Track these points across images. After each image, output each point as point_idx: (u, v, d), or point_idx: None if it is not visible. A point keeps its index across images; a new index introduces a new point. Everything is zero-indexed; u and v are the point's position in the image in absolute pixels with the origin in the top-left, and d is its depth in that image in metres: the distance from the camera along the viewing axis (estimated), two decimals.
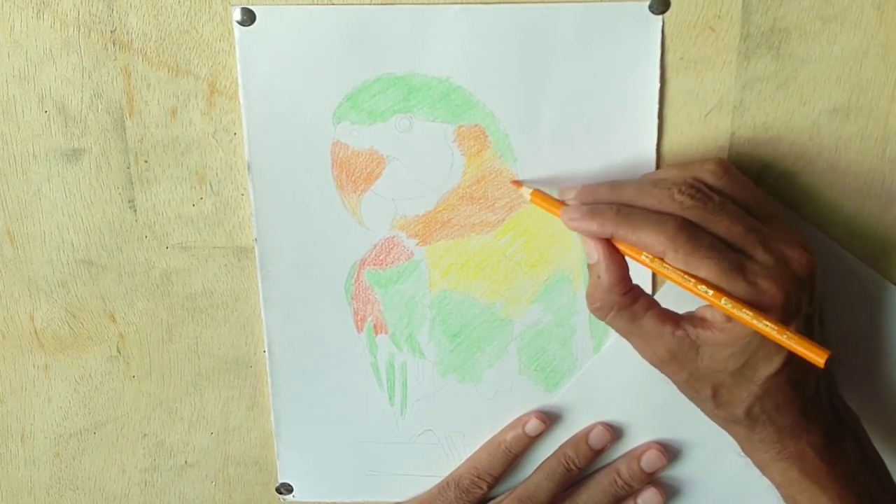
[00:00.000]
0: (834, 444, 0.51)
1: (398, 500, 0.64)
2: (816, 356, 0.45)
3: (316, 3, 0.53)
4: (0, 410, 0.63)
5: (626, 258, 0.50)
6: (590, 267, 0.51)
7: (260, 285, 0.59)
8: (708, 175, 0.50)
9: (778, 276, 0.47)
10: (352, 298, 0.59)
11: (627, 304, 0.50)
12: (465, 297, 0.59)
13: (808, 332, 0.49)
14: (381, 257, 0.58)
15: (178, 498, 0.66)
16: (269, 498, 0.65)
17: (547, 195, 0.54)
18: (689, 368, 0.50)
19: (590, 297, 0.51)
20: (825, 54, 0.53)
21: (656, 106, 0.54)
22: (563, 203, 0.53)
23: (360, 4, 0.53)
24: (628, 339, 0.52)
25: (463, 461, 0.62)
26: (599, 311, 0.51)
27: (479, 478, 0.61)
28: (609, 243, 0.50)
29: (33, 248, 0.59)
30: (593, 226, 0.50)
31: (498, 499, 0.62)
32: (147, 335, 0.61)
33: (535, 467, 0.61)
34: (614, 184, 0.51)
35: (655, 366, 0.51)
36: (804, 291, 0.49)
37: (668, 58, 0.53)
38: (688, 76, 0.53)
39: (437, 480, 0.63)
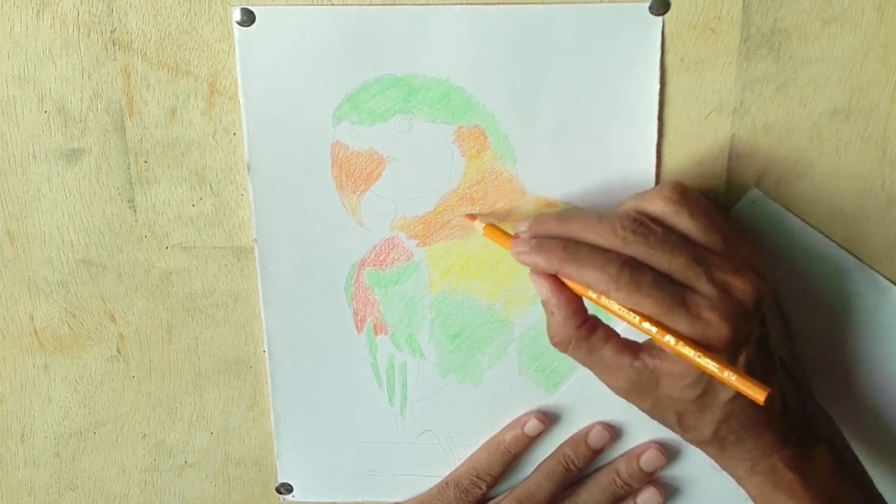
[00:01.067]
0: (806, 455, 0.52)
1: (398, 500, 0.64)
2: (756, 395, 0.46)
3: (316, 3, 0.53)
4: (0, 410, 0.64)
5: None
6: (542, 303, 0.51)
7: (260, 285, 0.59)
8: (659, 205, 0.50)
9: (722, 307, 0.47)
10: (352, 299, 0.59)
11: (584, 336, 0.50)
12: (465, 297, 0.59)
13: (763, 354, 0.50)
14: (380, 258, 0.58)
15: (178, 498, 0.66)
16: (269, 498, 0.65)
17: (500, 228, 0.54)
18: (652, 398, 0.51)
19: (548, 332, 0.52)
20: (825, 55, 0.53)
21: (656, 107, 0.54)
22: (513, 237, 0.53)
23: (359, 5, 0.53)
24: (590, 370, 0.52)
25: (462, 461, 0.62)
26: (558, 345, 0.51)
27: (478, 478, 0.61)
28: (557, 279, 0.50)
29: (33, 248, 0.59)
30: (540, 261, 0.50)
31: (497, 499, 0.62)
32: (147, 335, 0.61)
33: (534, 467, 0.61)
34: (563, 216, 0.51)
35: (620, 395, 0.52)
36: (753, 317, 0.49)
37: (668, 59, 0.53)
38: (688, 77, 0.53)
39: (436, 481, 0.63)
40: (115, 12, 0.53)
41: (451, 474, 0.62)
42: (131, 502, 0.66)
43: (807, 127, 0.54)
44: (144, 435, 0.64)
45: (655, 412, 0.52)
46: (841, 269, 0.56)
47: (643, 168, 0.55)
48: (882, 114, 0.54)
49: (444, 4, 0.52)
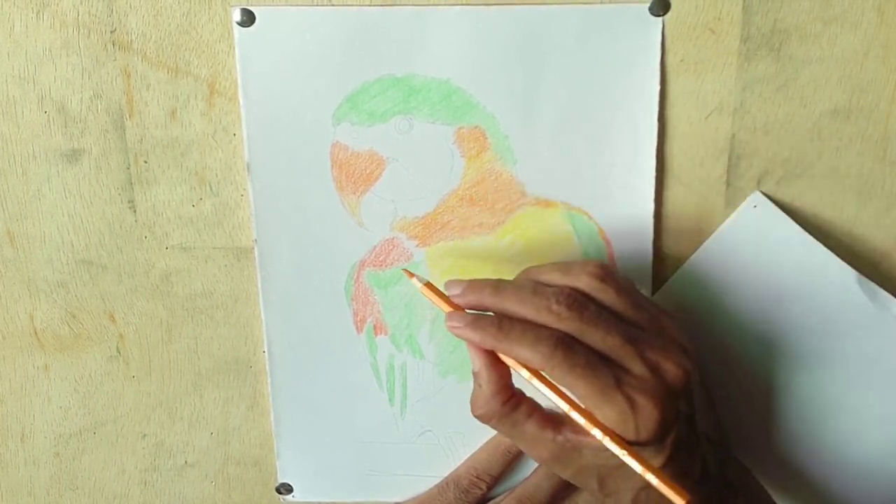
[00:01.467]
0: None
1: (398, 500, 0.64)
2: (677, 500, 0.46)
3: (316, 4, 0.53)
4: (0, 410, 0.64)
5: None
6: (473, 373, 0.51)
7: (259, 286, 0.59)
8: (587, 281, 0.50)
9: (653, 389, 0.48)
10: (351, 299, 0.59)
11: (508, 412, 0.51)
12: None
13: (689, 431, 0.50)
14: (380, 258, 0.58)
15: (178, 498, 0.66)
16: (269, 498, 0.65)
17: (436, 289, 0.53)
18: (574, 466, 0.51)
19: (472, 403, 0.52)
20: (825, 56, 0.53)
21: (656, 108, 0.54)
22: (449, 300, 0.52)
23: (360, 6, 0.53)
24: (512, 441, 0.52)
25: (462, 461, 0.62)
26: (481, 417, 0.52)
27: (478, 478, 0.61)
28: (492, 354, 0.50)
29: (33, 248, 0.59)
30: (475, 337, 0.50)
31: (497, 499, 0.62)
32: (147, 335, 0.61)
33: (534, 467, 0.61)
34: (498, 286, 0.51)
35: (541, 464, 0.52)
36: (681, 398, 0.49)
37: (669, 60, 0.53)
38: (688, 78, 0.53)
39: (436, 481, 0.63)
40: (115, 12, 0.53)
41: (451, 474, 0.62)
42: (131, 502, 0.66)
43: (807, 127, 0.54)
44: (144, 435, 0.64)
45: (576, 479, 0.52)
46: (843, 281, 0.56)
47: (643, 168, 0.55)
48: (882, 114, 0.54)
49: (444, 5, 0.52)
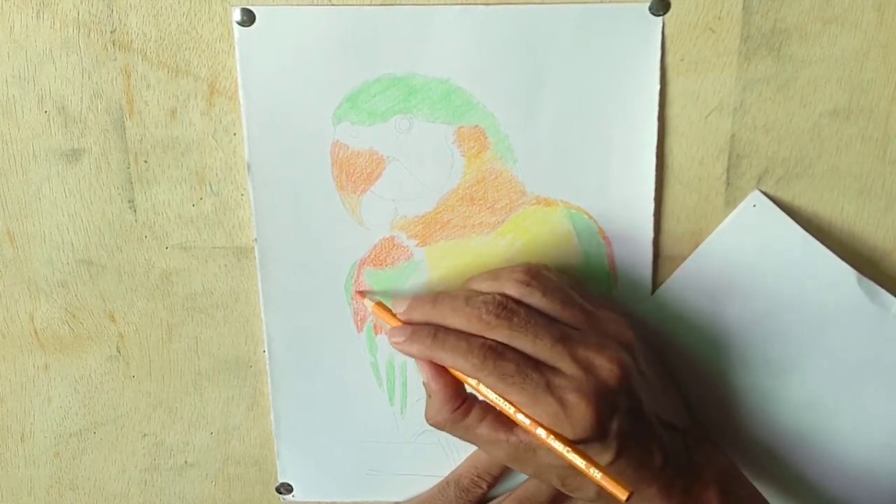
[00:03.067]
0: (693, 501, 0.53)
1: (398, 499, 0.64)
2: (619, 494, 0.48)
3: (316, 3, 0.53)
4: (0, 410, 0.63)
5: None
6: (423, 384, 0.53)
7: (260, 285, 0.59)
8: (513, 287, 0.52)
9: (585, 388, 0.49)
10: (352, 299, 0.59)
11: (459, 418, 0.52)
12: None
13: (636, 422, 0.51)
14: (381, 257, 0.58)
15: (178, 498, 0.66)
16: (269, 498, 0.65)
17: (386, 308, 0.56)
18: (533, 465, 0.52)
19: (425, 413, 0.54)
20: (826, 56, 0.53)
21: (656, 108, 0.54)
22: (397, 317, 0.55)
23: (359, 5, 0.53)
24: (471, 444, 0.54)
25: (463, 461, 0.62)
26: (435, 425, 0.53)
27: (478, 477, 0.61)
28: (438, 364, 0.52)
29: (33, 248, 0.59)
30: (413, 350, 0.52)
31: (498, 499, 0.62)
32: (147, 335, 0.61)
33: None
34: (436, 298, 0.53)
35: (501, 463, 0.54)
36: (619, 393, 0.50)
37: (669, 59, 0.53)
38: (688, 78, 0.53)
39: (436, 480, 0.63)
40: (115, 12, 0.53)
41: (451, 473, 0.62)
42: (131, 502, 0.66)
43: (807, 127, 0.54)
44: (144, 435, 0.64)
45: (538, 476, 0.54)
46: (842, 281, 0.56)
47: (643, 168, 0.55)
48: (882, 114, 0.54)
49: (444, 4, 0.52)
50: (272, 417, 0.62)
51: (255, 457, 0.64)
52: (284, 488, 0.64)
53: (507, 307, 0.51)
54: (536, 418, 0.49)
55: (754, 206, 0.55)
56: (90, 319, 0.61)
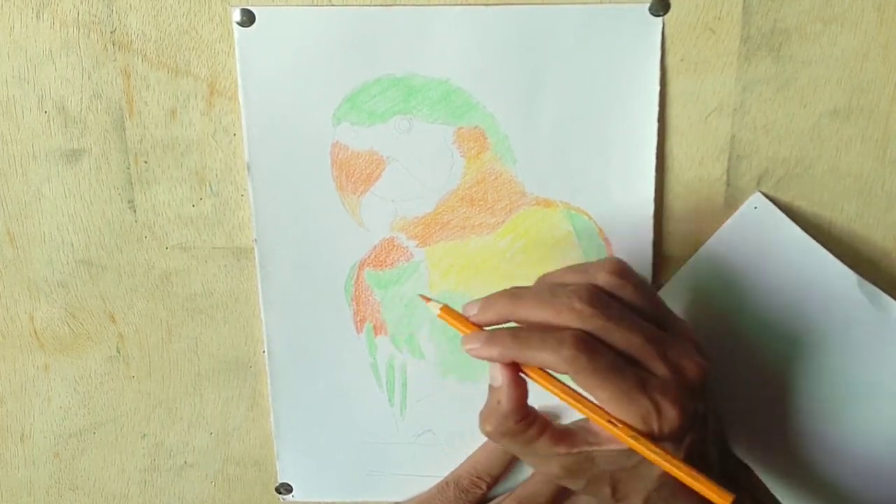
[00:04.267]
0: None
1: (398, 500, 0.64)
2: (722, 500, 0.46)
3: (315, 3, 0.53)
4: (0, 410, 0.63)
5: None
6: (491, 388, 0.50)
7: (259, 286, 0.59)
8: (606, 279, 0.49)
9: (675, 389, 0.47)
10: (351, 299, 0.59)
11: (521, 430, 0.49)
12: (465, 298, 0.58)
13: (703, 429, 0.50)
14: (380, 258, 0.58)
15: (178, 498, 0.66)
16: (269, 498, 0.65)
17: (454, 311, 0.52)
18: (587, 476, 0.50)
19: (484, 418, 0.50)
20: (825, 56, 0.53)
21: (656, 108, 0.54)
22: (468, 320, 0.51)
23: (359, 5, 0.53)
24: (520, 457, 0.52)
25: (462, 461, 0.62)
26: (492, 434, 0.50)
27: (478, 478, 0.61)
28: (515, 369, 0.49)
29: (33, 248, 0.59)
30: (494, 353, 0.48)
31: (498, 499, 0.62)
32: (147, 335, 0.61)
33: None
34: (514, 294, 0.50)
35: (552, 479, 0.52)
36: (699, 399, 0.49)
37: (669, 60, 0.53)
38: (688, 78, 0.53)
39: (436, 481, 0.62)
40: (115, 12, 0.53)
41: (451, 474, 0.62)
42: (131, 502, 0.66)
43: (807, 127, 0.54)
44: (144, 435, 0.64)
45: (588, 489, 0.51)
46: (843, 284, 0.56)
47: (643, 168, 0.55)
48: (882, 114, 0.54)
49: (444, 4, 0.52)
50: (272, 418, 0.62)
51: (255, 457, 0.64)
52: (284, 489, 0.64)
53: (601, 298, 0.48)
54: (624, 416, 0.47)
55: (755, 207, 0.55)
56: (90, 320, 0.61)
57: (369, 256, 0.58)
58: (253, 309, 0.60)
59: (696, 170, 0.55)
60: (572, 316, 0.47)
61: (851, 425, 0.59)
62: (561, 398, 0.48)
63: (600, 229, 0.56)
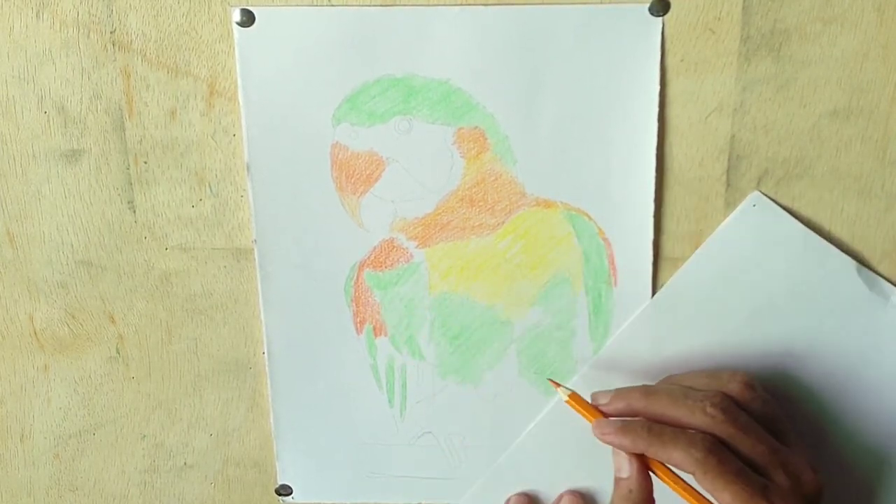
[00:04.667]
0: None
1: (398, 501, 0.64)
2: None
3: (315, 4, 0.53)
4: (0, 411, 0.64)
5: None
6: (617, 480, 0.52)
7: (259, 287, 0.59)
8: (736, 389, 0.52)
9: (793, 499, 0.50)
10: (351, 300, 0.59)
11: None
12: (464, 299, 0.59)
13: None
14: (380, 259, 0.58)
15: (178, 499, 0.66)
16: (269, 499, 0.65)
17: (583, 400, 0.55)
18: None
19: None
20: (825, 56, 0.53)
21: (656, 108, 0.54)
22: (596, 408, 0.54)
23: (359, 5, 0.53)
24: None
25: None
26: None
27: None
28: (643, 460, 0.51)
29: (33, 248, 0.59)
30: (626, 442, 0.51)
31: None
32: (146, 336, 0.61)
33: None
34: (647, 391, 0.53)
35: None
36: None
37: (668, 60, 0.53)
38: (688, 78, 0.53)
39: (436, 482, 0.63)
40: (115, 12, 0.53)
41: None
42: (131, 503, 0.66)
43: (807, 127, 0.54)
44: (144, 436, 0.64)
45: None
46: (843, 272, 0.56)
47: (643, 168, 0.55)
48: (882, 114, 0.54)
49: (444, 4, 0.52)
50: (272, 419, 0.62)
51: (255, 458, 0.64)
52: (284, 490, 0.64)
53: (733, 407, 0.51)
54: None
55: (754, 205, 0.55)
56: (90, 320, 0.61)
57: (369, 257, 0.58)
58: (253, 310, 0.60)
59: (696, 170, 0.55)
60: (705, 419, 0.50)
61: (854, 416, 0.58)
62: (682, 496, 0.51)
63: (600, 229, 0.56)
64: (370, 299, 0.59)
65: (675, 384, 0.54)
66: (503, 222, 0.57)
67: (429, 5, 0.52)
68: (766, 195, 0.55)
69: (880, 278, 0.56)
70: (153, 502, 0.66)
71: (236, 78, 0.54)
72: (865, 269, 0.56)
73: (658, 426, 0.51)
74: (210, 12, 0.53)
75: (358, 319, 0.60)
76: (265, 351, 0.60)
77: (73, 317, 0.61)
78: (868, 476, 0.60)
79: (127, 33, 0.54)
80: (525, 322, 0.59)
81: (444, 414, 0.61)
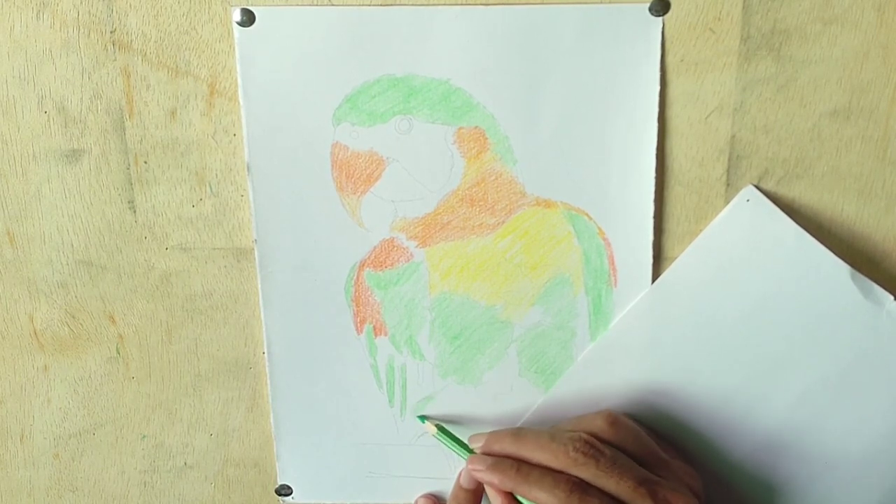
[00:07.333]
0: None
1: (398, 501, 0.64)
2: None
3: (316, 3, 0.53)
4: (0, 411, 0.64)
5: None
6: None
7: (259, 287, 0.59)
8: (599, 428, 0.55)
9: None
10: (351, 300, 0.59)
11: None
12: (465, 299, 0.59)
13: None
14: (380, 259, 0.58)
15: (178, 499, 0.66)
16: (269, 499, 0.65)
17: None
18: None
19: None
20: (825, 56, 0.53)
21: (656, 108, 0.54)
22: (467, 446, 0.58)
23: (359, 5, 0.53)
24: None
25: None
26: None
27: None
28: (511, 497, 0.54)
29: (33, 248, 0.59)
30: (495, 480, 0.54)
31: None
32: (146, 336, 0.61)
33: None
34: (517, 434, 0.55)
35: None
36: None
37: (669, 60, 0.53)
38: (688, 78, 0.53)
39: (436, 482, 0.63)
40: (115, 12, 0.53)
41: None
42: (130, 503, 0.66)
43: (807, 127, 0.54)
44: (144, 436, 0.64)
45: None
46: (834, 275, 0.56)
47: (643, 168, 0.55)
48: (882, 114, 0.54)
49: (444, 4, 0.52)
50: (272, 419, 0.62)
51: (255, 458, 0.64)
52: (284, 490, 0.64)
53: (595, 446, 0.53)
54: None
55: (748, 200, 0.55)
56: (90, 320, 0.61)
57: (369, 257, 0.58)
58: (253, 310, 0.60)
59: (696, 170, 0.55)
60: (568, 462, 0.53)
61: (845, 417, 0.58)
62: None
63: (600, 229, 0.56)
64: (370, 299, 0.59)
65: (550, 427, 0.57)
66: (503, 222, 0.57)
67: (429, 5, 0.52)
68: (758, 188, 0.55)
69: (874, 284, 0.56)
70: (153, 502, 0.66)
71: (236, 78, 0.54)
72: (859, 275, 0.56)
73: (527, 466, 0.54)
74: (210, 12, 0.53)
75: (358, 319, 0.60)
76: (265, 351, 0.60)
77: (73, 317, 0.61)
78: (868, 478, 0.60)
79: (127, 33, 0.54)
80: (525, 322, 0.59)
81: (444, 414, 0.61)
